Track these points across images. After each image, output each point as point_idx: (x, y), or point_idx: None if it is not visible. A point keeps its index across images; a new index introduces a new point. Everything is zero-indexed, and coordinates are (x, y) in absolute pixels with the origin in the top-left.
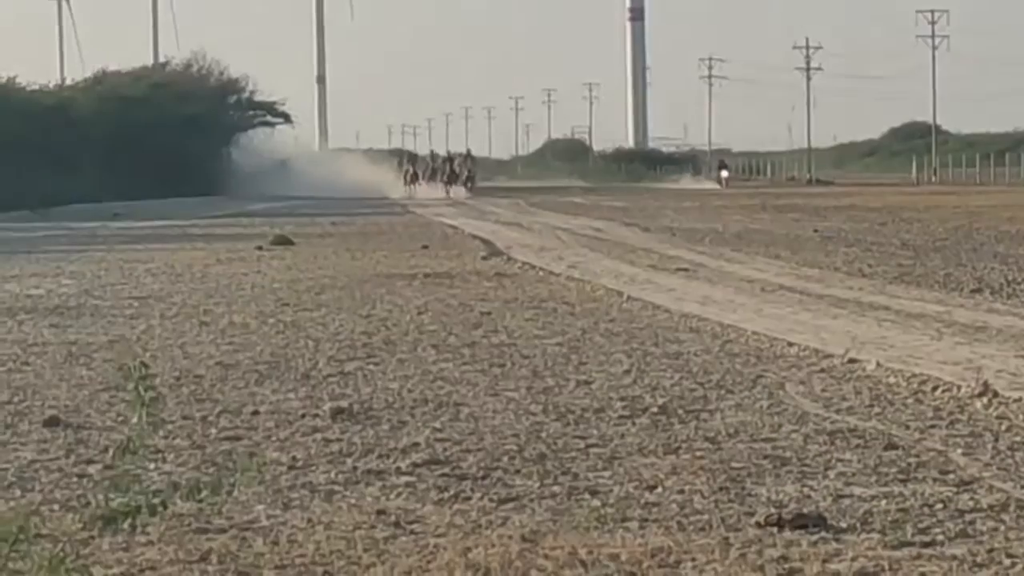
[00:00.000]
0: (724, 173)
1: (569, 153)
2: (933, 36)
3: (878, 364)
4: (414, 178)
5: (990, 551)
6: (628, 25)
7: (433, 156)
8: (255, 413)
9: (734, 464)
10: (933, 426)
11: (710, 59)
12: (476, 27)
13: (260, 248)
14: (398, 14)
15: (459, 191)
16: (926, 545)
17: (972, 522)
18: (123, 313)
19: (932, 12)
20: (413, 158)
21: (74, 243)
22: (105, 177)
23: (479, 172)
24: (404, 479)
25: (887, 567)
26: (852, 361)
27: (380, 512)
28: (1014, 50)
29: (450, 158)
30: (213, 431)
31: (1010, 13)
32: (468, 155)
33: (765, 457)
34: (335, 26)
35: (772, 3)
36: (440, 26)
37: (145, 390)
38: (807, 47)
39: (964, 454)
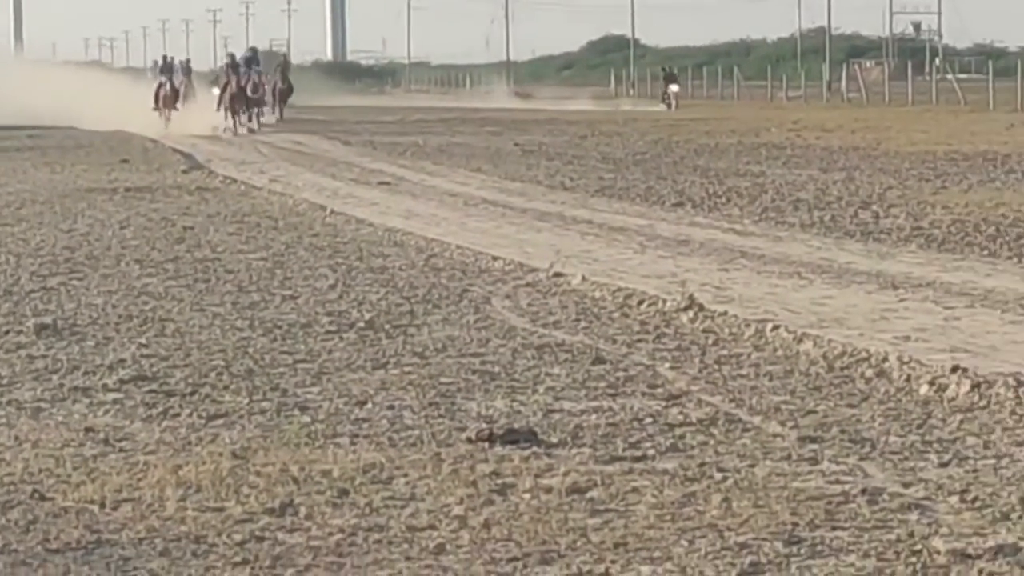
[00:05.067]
0: (674, 88)
1: (268, 65)
2: None
3: (583, 278)
4: (171, 99)
5: (701, 465)
6: None
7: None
8: None
9: (443, 379)
10: (640, 340)
11: None
12: None
13: None
14: None
15: (265, 117)
16: (637, 460)
17: (682, 436)
18: None
19: None
20: (168, 67)
21: None
22: None
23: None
24: (111, 396)
25: (599, 482)
26: (557, 275)
27: (88, 429)
28: None
29: (233, 64)
30: None
31: None
32: (284, 61)
33: (474, 372)
34: None
35: None
36: None
37: None
38: None
39: (672, 368)
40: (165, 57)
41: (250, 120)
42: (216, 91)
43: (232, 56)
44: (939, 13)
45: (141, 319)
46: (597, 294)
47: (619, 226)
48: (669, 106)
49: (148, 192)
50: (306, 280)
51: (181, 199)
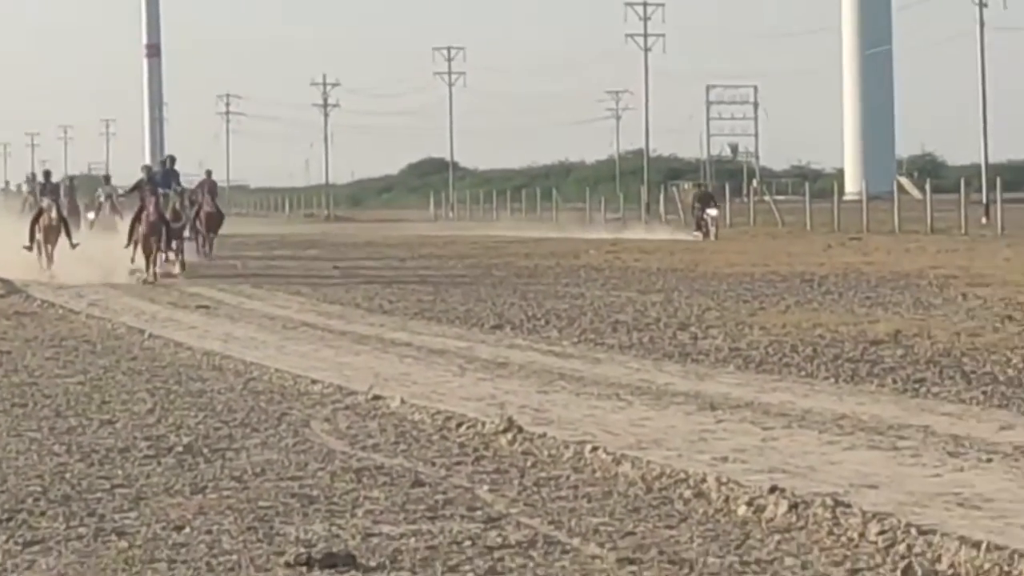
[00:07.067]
0: (712, 212)
1: (89, 189)
2: (450, 73)
3: (402, 401)
4: (56, 231)
5: None
6: (145, 61)
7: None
8: None
9: (261, 503)
10: (459, 463)
11: (228, 96)
12: None
13: None
14: None
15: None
16: None
17: (501, 559)
18: None
19: (448, 49)
20: (54, 187)
21: None
22: None
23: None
24: None
25: None
26: (376, 398)
27: None
28: (528, 87)
29: (150, 180)
30: None
31: (523, 51)
32: (209, 178)
33: (293, 496)
34: None
35: (290, 41)
36: None
37: None
38: (324, 84)
39: (491, 490)
40: (47, 173)
41: (175, 259)
42: (91, 216)
43: (148, 169)
44: (756, 135)
45: None
46: (416, 417)
47: (438, 349)
48: (706, 234)
49: None
50: (124, 404)
51: None
